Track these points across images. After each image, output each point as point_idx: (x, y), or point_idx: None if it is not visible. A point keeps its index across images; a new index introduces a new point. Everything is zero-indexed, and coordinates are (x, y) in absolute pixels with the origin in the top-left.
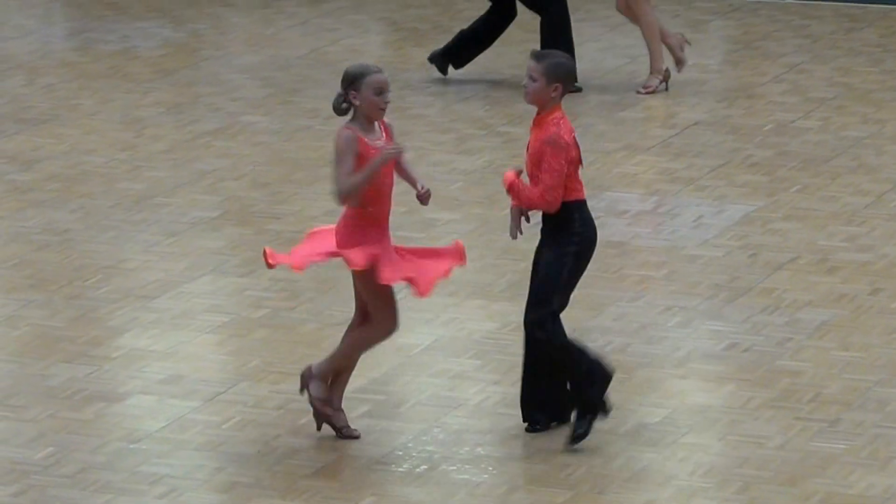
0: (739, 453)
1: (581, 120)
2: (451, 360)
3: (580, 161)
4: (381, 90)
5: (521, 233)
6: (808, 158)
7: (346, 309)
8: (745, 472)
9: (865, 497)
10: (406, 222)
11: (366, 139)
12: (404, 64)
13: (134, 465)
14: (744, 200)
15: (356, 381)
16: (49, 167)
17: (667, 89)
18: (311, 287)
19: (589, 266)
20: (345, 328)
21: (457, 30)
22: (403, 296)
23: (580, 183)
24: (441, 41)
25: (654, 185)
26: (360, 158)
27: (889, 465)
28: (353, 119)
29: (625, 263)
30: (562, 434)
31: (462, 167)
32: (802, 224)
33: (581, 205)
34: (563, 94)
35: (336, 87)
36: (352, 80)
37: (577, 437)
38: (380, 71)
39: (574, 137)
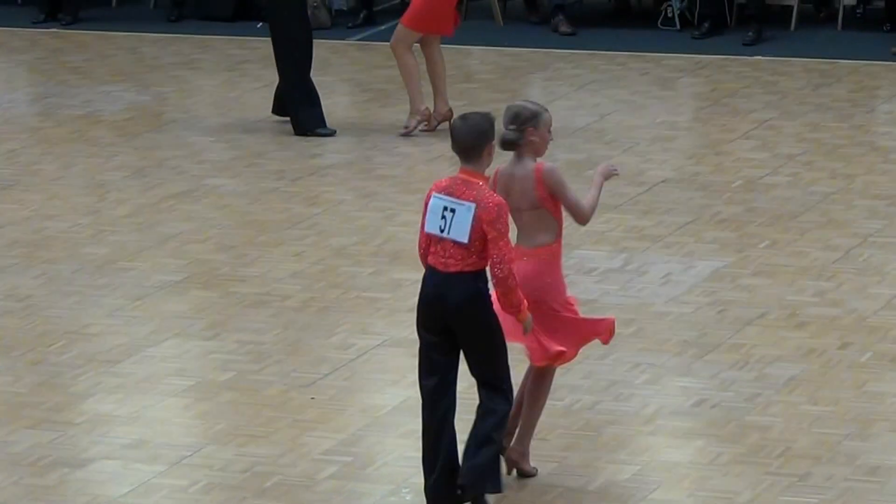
0: None
1: None
2: (419, 421)
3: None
4: (550, 129)
5: None
6: (777, 214)
7: (312, 371)
8: None
9: None
10: (373, 283)
11: None
12: (370, 125)
13: None
14: (712, 257)
15: (323, 442)
16: (11, 233)
17: (433, 129)
18: (277, 349)
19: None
20: (311, 390)
21: (427, 90)
22: (367, 357)
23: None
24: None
25: (622, 243)
26: None
27: None
28: (519, 154)
29: None
30: (533, 491)
31: None
32: (771, 280)
33: None
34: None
35: (301, 149)
36: (530, 118)
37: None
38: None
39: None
